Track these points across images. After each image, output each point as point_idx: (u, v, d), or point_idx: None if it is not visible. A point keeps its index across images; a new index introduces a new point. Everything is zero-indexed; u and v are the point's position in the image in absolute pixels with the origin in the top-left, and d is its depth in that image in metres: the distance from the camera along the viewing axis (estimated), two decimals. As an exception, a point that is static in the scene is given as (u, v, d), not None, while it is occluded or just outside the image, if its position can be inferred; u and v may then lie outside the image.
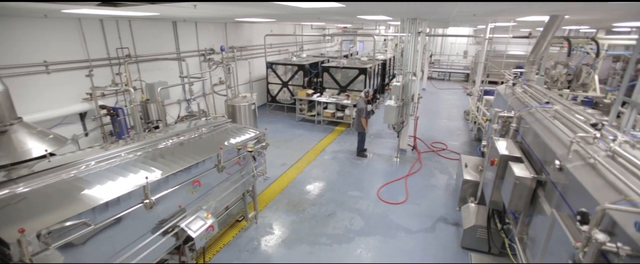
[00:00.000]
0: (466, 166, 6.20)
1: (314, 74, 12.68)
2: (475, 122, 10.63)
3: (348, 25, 17.65)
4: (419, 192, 7.07)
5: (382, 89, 15.09)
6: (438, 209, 6.41)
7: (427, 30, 13.43)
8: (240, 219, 5.87)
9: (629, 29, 11.91)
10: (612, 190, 2.39)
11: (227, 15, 7.14)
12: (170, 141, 4.55)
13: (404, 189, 7.17)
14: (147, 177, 3.30)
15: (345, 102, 10.98)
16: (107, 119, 7.30)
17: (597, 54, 10.31)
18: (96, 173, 3.42)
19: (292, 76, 12.52)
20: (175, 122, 8.24)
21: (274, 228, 5.78)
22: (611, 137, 2.97)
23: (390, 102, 8.10)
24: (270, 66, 12.66)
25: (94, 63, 7.15)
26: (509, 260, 4.36)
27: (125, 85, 7.11)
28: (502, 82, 8.85)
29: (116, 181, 3.31)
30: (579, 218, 2.22)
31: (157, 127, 7.24)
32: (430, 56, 22.55)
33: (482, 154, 6.30)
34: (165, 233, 3.69)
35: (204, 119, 6.06)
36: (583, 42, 11.38)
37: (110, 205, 3.03)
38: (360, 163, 8.51)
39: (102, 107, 7.13)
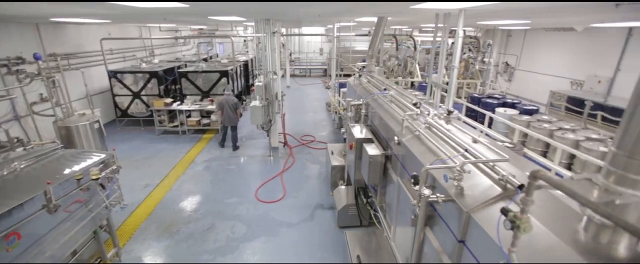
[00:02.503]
0: (332, 153, 6.83)
1: (171, 80, 11.52)
2: (336, 113, 11.79)
3: (203, 27, 16.70)
4: (295, 185, 7.37)
5: (247, 90, 14.99)
6: (314, 198, 6.85)
7: (283, 30, 14.06)
8: (97, 262, 4.85)
9: (431, 28, 15.43)
10: (431, 154, 3.05)
11: (33, 13, 5.69)
12: (-38, 186, 3.34)
13: (281, 185, 7.36)
14: None
15: (210, 107, 10.41)
16: None
17: (415, 48, 12.95)
18: None
19: (145, 85, 11.03)
20: (-26, 160, 6.10)
21: (145, 260, 5.03)
22: (427, 113, 3.77)
23: (256, 103, 8.13)
24: (113, 75, 10.79)
25: None
26: (376, 228, 5.05)
27: None
28: (352, 75, 10.08)
29: None
30: (412, 180, 2.73)
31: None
32: (291, 55, 23.77)
33: (345, 140, 7.05)
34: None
35: (20, 149, 4.70)
36: (405, 39, 14.10)
37: None
38: (234, 168, 8.26)
39: None
